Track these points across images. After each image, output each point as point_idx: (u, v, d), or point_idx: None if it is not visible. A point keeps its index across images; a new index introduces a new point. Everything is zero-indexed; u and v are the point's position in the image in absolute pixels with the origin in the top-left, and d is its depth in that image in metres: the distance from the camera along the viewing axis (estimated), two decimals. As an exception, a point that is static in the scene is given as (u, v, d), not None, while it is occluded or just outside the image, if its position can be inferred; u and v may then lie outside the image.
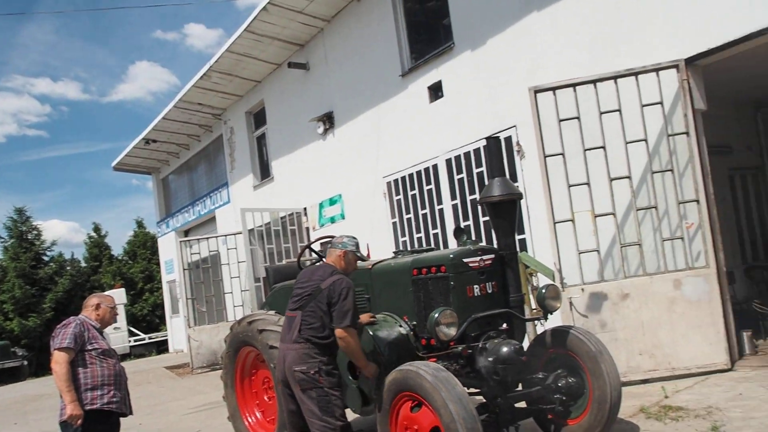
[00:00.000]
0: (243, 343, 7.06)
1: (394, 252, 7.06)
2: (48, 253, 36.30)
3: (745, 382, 7.09)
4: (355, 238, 5.98)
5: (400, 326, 5.95)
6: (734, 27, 7.72)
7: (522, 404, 5.88)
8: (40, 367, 30.34)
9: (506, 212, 5.95)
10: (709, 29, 7.97)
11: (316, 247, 7.82)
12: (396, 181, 13.44)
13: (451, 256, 5.77)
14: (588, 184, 8.13)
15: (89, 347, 5.25)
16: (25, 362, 28.17)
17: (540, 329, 7.20)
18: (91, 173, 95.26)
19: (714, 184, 8.32)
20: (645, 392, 7.28)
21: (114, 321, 5.75)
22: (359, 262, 6.15)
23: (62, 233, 78.92)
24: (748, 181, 11.87)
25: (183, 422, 10.46)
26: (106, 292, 29.90)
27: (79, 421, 5.05)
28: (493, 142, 6.11)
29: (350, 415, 7.21)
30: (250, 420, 7.22)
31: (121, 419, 5.57)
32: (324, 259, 6.07)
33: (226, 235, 18.26)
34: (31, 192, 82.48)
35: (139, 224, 40.45)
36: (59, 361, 5.09)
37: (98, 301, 5.52)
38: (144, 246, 38.15)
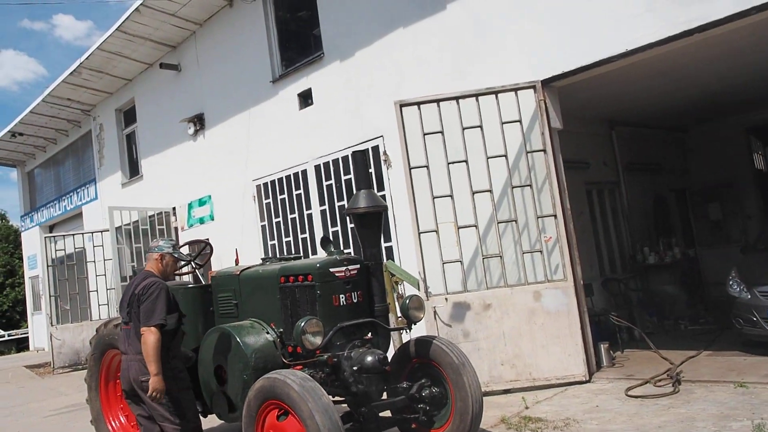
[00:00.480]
0: (109, 346, 6.50)
1: (262, 259, 6.63)
2: None
3: (602, 394, 7.07)
4: (172, 240, 5.83)
5: (267, 333, 5.62)
6: (587, 52, 7.76)
7: (387, 413, 5.59)
8: None
9: (371, 223, 5.69)
10: (564, 52, 7.99)
11: (185, 250, 7.26)
12: (266, 184, 12.87)
13: (318, 265, 5.46)
14: (451, 196, 7.94)
15: None
16: None
17: (405, 338, 6.93)
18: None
19: (571, 198, 8.35)
20: (506, 402, 7.13)
21: None
22: (228, 267, 5.73)
23: None
24: (605, 195, 12.03)
25: (44, 425, 9.52)
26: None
27: None
28: (359, 155, 5.83)
29: (216, 422, 6.76)
30: (113, 424, 6.67)
31: None
32: (146, 265, 5.67)
33: (92, 232, 17.06)
34: None
35: (2, 217, 37.43)
36: None
37: None
38: (6, 239, 35.19)
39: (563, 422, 6.10)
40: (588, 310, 8.32)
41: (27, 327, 27.25)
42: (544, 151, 7.96)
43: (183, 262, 6.85)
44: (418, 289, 7.79)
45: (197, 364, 5.91)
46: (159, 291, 5.22)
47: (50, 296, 17.09)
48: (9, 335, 28.58)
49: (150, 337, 5.06)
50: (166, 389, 5.11)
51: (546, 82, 8.13)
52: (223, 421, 6.77)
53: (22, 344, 26.96)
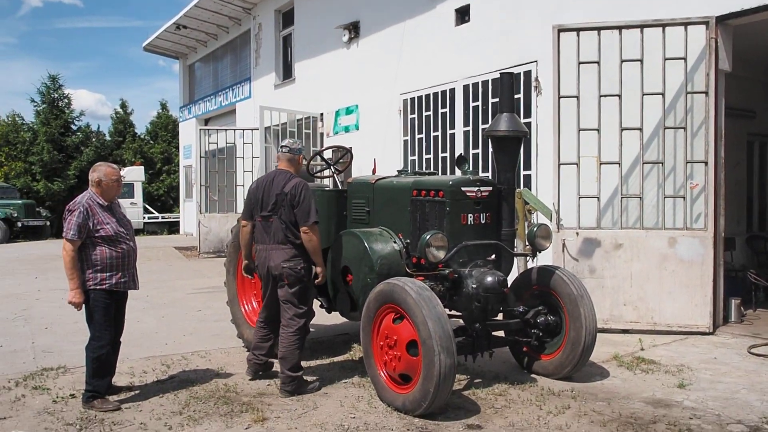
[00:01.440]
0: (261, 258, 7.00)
1: (397, 171, 6.92)
2: (76, 123, 36.09)
3: (723, 347, 7.01)
4: (298, 141, 6.19)
5: (395, 242, 5.94)
6: (773, -9, 7.29)
7: (500, 333, 5.87)
8: (61, 229, 30.67)
9: (510, 148, 5.82)
10: (746, -11, 7.53)
11: (327, 154, 7.71)
12: (412, 99, 13.12)
13: (450, 183, 5.70)
14: (598, 130, 7.86)
15: (95, 234, 5.21)
16: (48, 223, 28.45)
17: (531, 265, 7.11)
18: (120, 48, 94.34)
19: (729, 147, 8.03)
20: (622, 341, 7.23)
21: (119, 192, 5.58)
22: (365, 175, 6.11)
23: (89, 104, 78.74)
24: (767, 149, 11.44)
25: (187, 300, 10.61)
26: (127, 168, 30.14)
27: (79, 309, 5.19)
28: (506, 77, 5.89)
29: (338, 318, 7.35)
30: (246, 307, 7.26)
31: (130, 291, 5.63)
32: (279, 164, 6.10)
33: (243, 129, 18.09)
34: (61, 60, 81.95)
35: (163, 106, 40.04)
36: (66, 249, 5.15)
37: (98, 178, 5.33)
38: (165, 128, 37.85)
39: (677, 368, 6.15)
40: (725, 264, 8.12)
41: (179, 212, 29.61)
42: (706, 93, 7.64)
43: (323, 166, 7.36)
44: (551, 220, 7.88)
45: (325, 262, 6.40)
46: (309, 192, 5.69)
47: (201, 186, 18.47)
48: (162, 218, 31.17)
49: (315, 234, 5.64)
50: (305, 281, 5.70)
51: (720, 19, 7.71)
52: (345, 319, 7.40)
53: (173, 227, 29.37)
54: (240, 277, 7.40)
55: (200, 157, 18.62)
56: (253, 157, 17.43)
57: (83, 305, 5.22)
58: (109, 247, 5.26)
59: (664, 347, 7.01)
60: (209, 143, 18.26)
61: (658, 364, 6.30)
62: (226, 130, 18.66)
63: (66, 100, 35.53)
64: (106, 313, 5.29)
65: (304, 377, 5.74)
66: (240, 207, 17.88)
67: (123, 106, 39.01)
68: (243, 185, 17.77)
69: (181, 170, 28.18)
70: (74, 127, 35.74)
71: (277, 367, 5.87)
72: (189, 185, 26.33)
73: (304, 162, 6.25)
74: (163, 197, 35.26)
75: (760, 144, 11.19)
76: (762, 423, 4.69)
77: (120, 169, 5.61)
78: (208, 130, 18.87)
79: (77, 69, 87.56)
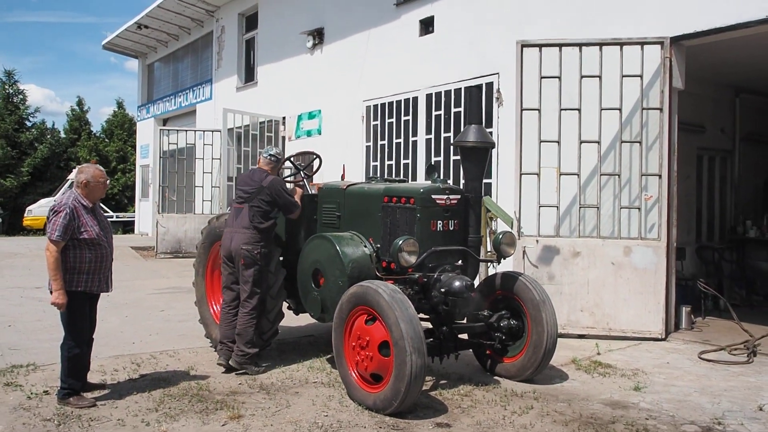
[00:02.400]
0: (218, 237, 7.07)
1: (368, 177, 7.08)
2: (31, 119, 35.37)
3: (675, 353, 7.31)
4: (280, 150, 7.12)
5: (365, 246, 6.07)
6: (724, 14, 7.65)
7: (464, 336, 6.07)
8: (12, 227, 30.04)
9: (477, 158, 6.04)
10: (699, 12, 7.90)
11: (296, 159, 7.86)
12: (375, 106, 13.28)
13: (421, 190, 5.87)
14: (558, 142, 8.13)
15: (78, 237, 5.21)
16: (0, 219, 27.80)
17: (491, 271, 7.32)
18: (71, 44, 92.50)
19: (681, 161, 8.37)
20: (579, 346, 7.48)
21: (103, 194, 5.66)
22: (335, 181, 6.58)
23: (38, 99, 77.00)
24: (716, 163, 11.86)
25: (148, 300, 10.59)
26: (80, 166, 29.66)
27: (63, 309, 5.17)
28: (475, 90, 6.23)
29: (308, 320, 7.55)
30: (215, 308, 7.32)
31: None
32: (259, 164, 6.72)
33: (204, 131, 18.05)
34: (11, 53, 79.88)
35: (119, 105, 39.47)
36: (50, 249, 5.12)
37: (86, 179, 5.35)
38: (121, 127, 37.24)
39: (632, 371, 6.41)
40: (677, 273, 8.46)
41: (134, 211, 29.21)
42: (661, 110, 7.95)
43: (292, 170, 7.52)
44: (511, 227, 8.11)
45: (296, 264, 6.53)
46: (284, 186, 6.51)
47: (159, 186, 18.34)
48: (117, 217, 30.70)
49: (299, 214, 6.60)
50: (260, 264, 6.25)
51: (675, 40, 8.05)
52: (310, 321, 7.51)
53: (127, 227, 28.96)
54: (209, 278, 7.46)
55: (159, 156, 18.50)
56: (213, 159, 17.41)
57: (53, 305, 5.19)
58: (88, 250, 5.26)
59: (619, 352, 7.29)
60: (169, 143, 18.15)
61: (615, 368, 6.56)
62: (186, 130, 18.58)
63: (21, 96, 34.82)
64: (81, 313, 5.31)
65: (258, 360, 6.37)
66: (198, 207, 17.86)
67: (79, 103, 38.30)
68: (202, 186, 17.75)
69: (137, 169, 27.88)
70: (29, 123, 35.01)
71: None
72: (145, 185, 26.05)
73: (270, 165, 6.64)
74: (117, 196, 34.72)
75: (709, 158, 11.66)
76: (713, 424, 4.96)
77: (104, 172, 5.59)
78: (168, 130, 18.75)
79: (26, 64, 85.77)
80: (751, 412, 5.26)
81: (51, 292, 5.20)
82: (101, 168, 5.59)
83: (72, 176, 28.08)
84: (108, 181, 5.70)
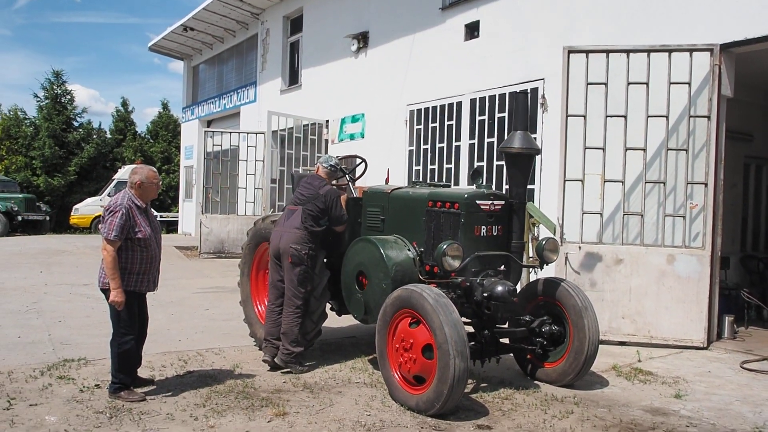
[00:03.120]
0: (263, 239, 7.30)
1: (412, 182, 7.22)
2: (78, 119, 36.26)
3: (717, 362, 7.32)
4: (339, 160, 7.16)
5: (409, 250, 6.22)
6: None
7: (506, 341, 6.16)
8: (59, 225, 30.86)
9: (522, 164, 6.11)
10: (749, 19, 7.90)
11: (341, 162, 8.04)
12: (419, 110, 13.43)
13: (466, 196, 5.97)
14: (603, 149, 8.17)
15: (132, 235, 5.43)
16: (47, 218, 28.64)
17: (533, 277, 7.39)
18: (115, 45, 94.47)
19: (727, 169, 8.36)
20: (620, 353, 7.53)
21: (155, 195, 5.86)
22: (380, 185, 6.77)
23: (83, 99, 78.57)
24: (763, 172, 11.78)
25: (192, 299, 10.86)
26: (127, 166, 30.31)
27: (122, 307, 5.38)
28: (522, 96, 6.21)
29: (350, 321, 7.77)
30: (259, 308, 7.53)
31: None
32: (318, 171, 7.00)
33: (248, 133, 18.33)
34: (56, 54, 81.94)
35: (164, 106, 40.27)
36: (107, 249, 5.32)
37: (140, 180, 5.57)
38: (166, 128, 38.00)
39: (672, 379, 6.45)
40: (720, 282, 8.44)
41: (177, 211, 29.80)
42: (709, 117, 7.95)
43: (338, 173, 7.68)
44: (554, 234, 8.16)
45: (340, 266, 6.71)
46: (338, 199, 6.71)
47: (203, 186, 18.73)
48: (161, 216, 31.36)
49: (345, 229, 6.87)
50: (307, 265, 6.45)
51: (724, 47, 8.05)
52: (352, 322, 7.68)
53: (171, 226, 29.54)
54: (254, 278, 7.67)
55: (203, 158, 18.88)
56: (256, 160, 17.72)
57: (112, 303, 5.37)
58: (140, 251, 5.48)
59: (660, 359, 7.32)
60: (213, 145, 18.52)
61: (655, 375, 6.60)
62: (230, 132, 18.92)
63: (69, 96, 35.74)
64: (130, 310, 5.51)
65: (302, 359, 6.56)
66: (241, 209, 18.19)
67: (124, 104, 39.17)
68: (245, 188, 18.06)
69: (181, 170, 28.42)
70: (76, 124, 35.93)
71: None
72: (189, 185, 26.56)
73: (336, 176, 7.05)
74: (161, 196, 35.43)
75: (756, 166, 11.56)
76: (754, 432, 5.00)
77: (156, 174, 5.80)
78: (213, 131, 19.11)
79: (71, 63, 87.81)
80: (795, 423, 5.28)
81: (102, 291, 5.45)
82: (154, 169, 5.79)
83: (118, 176, 28.86)
84: (160, 182, 5.92)
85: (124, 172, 29.58)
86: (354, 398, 5.58)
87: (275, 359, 6.45)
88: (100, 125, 38.94)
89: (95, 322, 8.55)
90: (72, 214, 29.02)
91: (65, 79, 35.98)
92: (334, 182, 7.64)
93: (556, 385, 6.06)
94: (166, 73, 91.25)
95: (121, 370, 5.47)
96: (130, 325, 5.54)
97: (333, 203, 6.60)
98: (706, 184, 7.93)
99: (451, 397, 4.94)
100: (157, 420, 4.95)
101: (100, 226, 5.49)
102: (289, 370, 6.39)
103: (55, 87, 35.12)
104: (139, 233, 5.46)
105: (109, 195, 28.58)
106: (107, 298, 5.41)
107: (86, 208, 28.72)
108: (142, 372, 6.06)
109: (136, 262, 5.48)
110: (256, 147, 17.79)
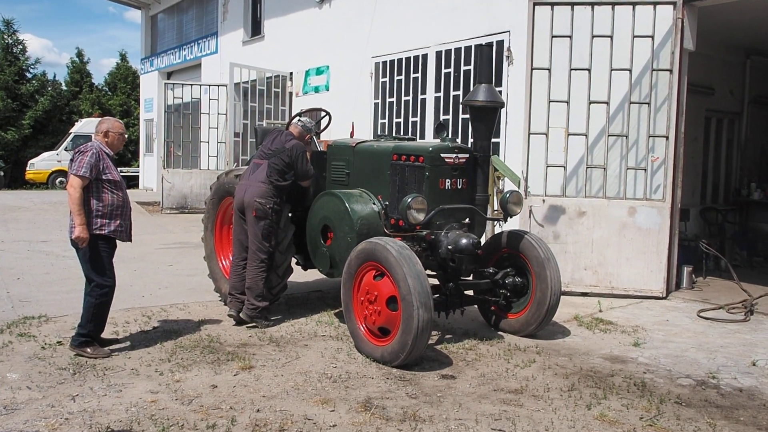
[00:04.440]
0: (227, 193, 7.30)
1: (377, 135, 7.23)
2: (31, 70, 35.23)
3: (675, 311, 7.57)
4: (312, 121, 7.16)
5: (374, 203, 6.28)
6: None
7: (470, 292, 6.28)
8: (14, 180, 30.25)
9: (487, 118, 6.17)
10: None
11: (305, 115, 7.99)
12: (384, 63, 13.36)
13: (430, 149, 6.03)
14: (567, 102, 8.25)
15: (103, 176, 5.41)
16: (2, 173, 28.03)
17: (498, 230, 7.51)
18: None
19: (688, 123, 8.51)
20: (582, 303, 7.75)
21: (121, 147, 5.83)
22: (345, 138, 6.77)
23: (35, 50, 76.30)
24: (723, 125, 11.99)
25: (156, 255, 10.84)
26: (84, 120, 29.71)
27: (84, 243, 5.33)
28: (486, 49, 6.26)
29: (316, 275, 7.85)
30: (224, 262, 7.56)
31: None
32: (289, 128, 6.99)
33: (210, 85, 18.07)
34: (5, 2, 79.15)
35: (122, 57, 39.30)
36: (75, 185, 5.27)
37: (107, 128, 5.57)
38: (125, 80, 37.16)
39: (632, 328, 6.68)
40: (680, 233, 8.70)
41: (137, 166, 29.40)
42: (671, 71, 8.05)
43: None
44: (518, 187, 8.25)
45: (305, 220, 6.75)
46: (305, 154, 6.73)
47: (164, 140, 18.50)
48: (121, 171, 30.91)
49: (309, 183, 6.92)
50: (271, 219, 6.45)
51: (687, 0, 8.12)
52: (318, 276, 7.75)
53: (131, 182, 29.14)
54: (218, 233, 7.67)
55: (164, 111, 18.62)
56: (219, 114, 17.53)
57: (76, 239, 5.33)
58: (111, 193, 5.46)
59: (620, 309, 7.55)
60: (174, 97, 18.24)
61: (615, 324, 6.82)
62: (191, 85, 18.62)
63: (21, 47, 34.65)
64: (108, 258, 5.53)
65: (268, 314, 6.62)
66: (204, 163, 18.04)
67: (79, 55, 38.11)
68: (208, 142, 17.87)
69: (141, 124, 27.96)
70: (29, 75, 34.94)
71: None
72: (149, 139, 26.18)
73: (296, 130, 6.89)
74: (121, 151, 34.85)
75: (717, 120, 11.76)
76: (708, 377, 5.21)
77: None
78: (173, 84, 18.81)
79: (23, 12, 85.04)
80: (745, 367, 5.52)
81: (73, 244, 5.40)
82: (120, 122, 5.78)
83: (75, 129, 28.34)
84: (126, 136, 5.88)
85: (81, 126, 29.07)
86: (320, 351, 5.67)
87: (240, 314, 6.51)
88: (54, 77, 37.84)
89: (55, 279, 8.50)
90: (27, 169, 28.45)
91: (16, 28, 34.83)
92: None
93: (519, 335, 6.23)
94: (123, 22, 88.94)
95: (93, 320, 5.45)
96: (109, 274, 5.55)
97: (299, 158, 6.59)
98: (667, 138, 8.08)
99: (416, 348, 5.05)
100: (121, 375, 4.99)
101: (68, 167, 5.39)
102: (254, 324, 6.45)
103: (5, 37, 33.96)
104: (110, 175, 5.46)
105: (66, 150, 28.13)
106: (78, 251, 5.39)
107: (42, 163, 28.19)
108: (107, 329, 6.03)
109: (108, 203, 5.45)
110: (218, 100, 17.57)
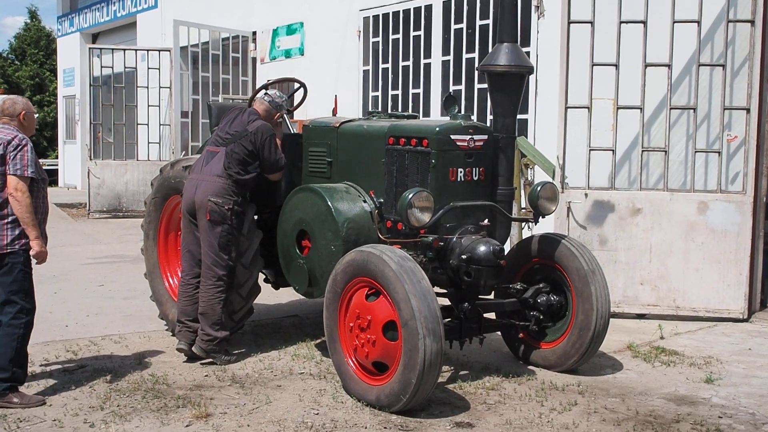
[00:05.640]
0: (174, 191, 7.30)
1: (368, 112, 7.27)
2: None
3: (759, 336, 7.59)
4: (282, 95, 7.14)
5: (365, 201, 6.29)
6: None
7: (491, 315, 6.32)
8: None
9: (511, 87, 6.15)
10: None
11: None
12: (376, 17, 13.41)
13: (437, 129, 6.02)
14: (617, 66, 8.27)
15: (36, 175, 5.50)
16: None
17: (527, 233, 7.53)
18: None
19: (776, 91, 8.51)
20: (638, 328, 7.78)
21: (33, 131, 5.94)
22: (325, 117, 6.79)
23: None
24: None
25: (83, 272, 10.94)
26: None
27: (44, 261, 5.57)
28: (508, -1, 6.20)
29: (291, 296, 7.98)
30: (171, 281, 7.61)
31: None
32: (253, 105, 7.03)
33: (149, 50, 18.10)
34: None
35: (32, 15, 39.33)
36: (23, 189, 5.36)
37: (22, 109, 5.63)
38: (37, 45, 37.18)
39: (703, 360, 6.70)
40: (766, 236, 8.71)
41: (56, 158, 29.39)
42: (752, 22, 8.05)
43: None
44: (552, 177, 8.28)
45: (275, 225, 6.78)
46: (273, 139, 6.69)
47: (90, 123, 18.52)
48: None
49: (279, 177, 6.89)
50: (230, 223, 6.44)
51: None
52: (295, 297, 7.79)
53: (50, 177, 29.19)
54: (163, 243, 7.69)
55: (89, 85, 18.64)
56: (161, 87, 17.53)
57: (36, 257, 5.51)
58: (35, 197, 5.50)
59: (688, 335, 7.59)
60: (101, 67, 18.24)
61: (682, 355, 6.84)
62: (124, 49, 18.68)
63: None
64: (30, 276, 5.61)
65: (228, 346, 6.63)
66: (143, 152, 18.08)
67: (-23, 13, 38.18)
68: (147, 124, 17.91)
69: (60, 102, 28.00)
70: None
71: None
72: (71, 122, 26.20)
73: (261, 107, 6.89)
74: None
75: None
76: (802, 422, 5.27)
77: None
78: (100, 49, 18.81)
79: None
80: None
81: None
82: (26, 98, 5.83)
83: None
84: (37, 116, 5.93)
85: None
86: (297, 393, 5.70)
87: (193, 348, 6.54)
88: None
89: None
90: None
91: None
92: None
93: (556, 370, 6.25)
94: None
95: (16, 360, 5.45)
96: (32, 295, 5.62)
97: (265, 143, 6.58)
98: (748, 110, 8.08)
99: (422, 388, 5.05)
100: (40, 428, 5.02)
101: (7, 166, 5.40)
102: (211, 360, 6.49)
103: None
104: (41, 173, 5.58)
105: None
106: (3, 264, 5.42)
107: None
108: None
109: (39, 211, 5.54)
110: (159, 69, 17.59)
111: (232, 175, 6.47)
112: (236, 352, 6.73)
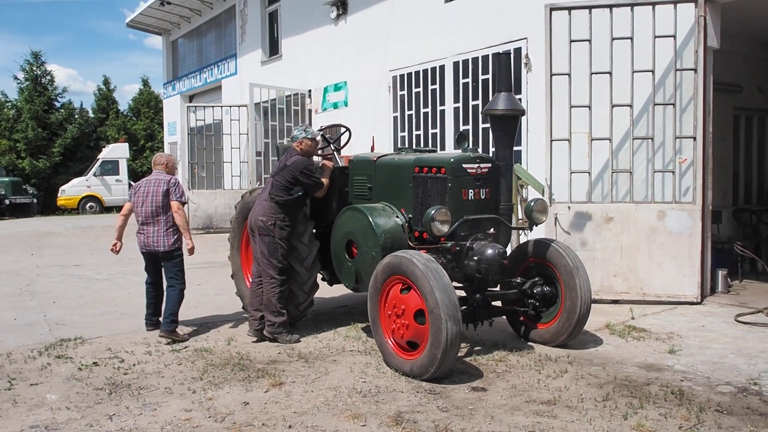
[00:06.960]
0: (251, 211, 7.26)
1: (398, 148, 7.19)
2: (59, 100, 35.81)
3: (711, 316, 7.39)
4: (304, 125, 7.26)
5: (397, 217, 6.23)
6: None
7: (498, 303, 6.19)
8: (46, 207, 30.62)
9: (508, 126, 6.11)
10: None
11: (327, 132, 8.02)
12: (402, 76, 13.33)
13: (452, 160, 5.97)
14: (589, 107, 8.13)
15: (187, 200, 6.61)
16: (35, 200, 28.54)
17: (523, 239, 7.41)
18: (89, 22, 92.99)
19: (716, 122, 8.32)
20: (613, 311, 7.59)
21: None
22: (365, 153, 6.72)
23: (61, 79, 77.47)
24: (753, 123, 11.72)
25: (186, 274, 10.78)
26: (111, 145, 30.24)
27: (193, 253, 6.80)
28: (504, 57, 6.18)
29: (342, 291, 7.90)
30: (250, 280, 7.47)
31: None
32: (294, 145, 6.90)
33: (231, 106, 18.17)
34: (32, 34, 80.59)
35: (144, 83, 39.87)
36: (183, 210, 6.75)
37: (167, 161, 6.93)
38: (148, 105, 37.65)
39: (666, 335, 6.51)
40: (712, 236, 8.49)
41: (163, 189, 29.57)
42: (695, 70, 7.89)
43: (322, 143, 7.61)
44: (542, 194, 8.15)
45: (329, 236, 6.72)
46: (305, 168, 6.53)
47: (189, 162, 18.62)
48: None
49: (321, 192, 6.79)
50: (273, 235, 6.47)
51: (708, -3, 7.99)
52: (344, 292, 7.69)
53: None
54: (244, 251, 7.67)
55: (186, 133, 18.74)
56: (240, 134, 17.58)
57: (169, 259, 6.74)
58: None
59: (653, 316, 7.38)
60: (196, 120, 18.36)
61: (649, 332, 6.65)
62: (212, 106, 18.74)
63: (49, 77, 35.29)
64: (183, 263, 6.93)
65: (288, 330, 6.57)
66: (228, 183, 18.13)
67: (106, 82, 38.79)
68: (231, 162, 17.96)
69: (165, 147, 28.20)
70: (57, 104, 35.52)
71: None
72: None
73: (301, 146, 6.72)
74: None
75: (746, 118, 11.52)
76: (749, 384, 5.05)
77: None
78: (195, 106, 18.92)
79: (47, 43, 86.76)
80: (788, 371, 5.35)
81: (165, 252, 6.69)
82: (169, 153, 6.80)
83: (103, 155, 28.79)
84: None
85: (108, 151, 29.51)
86: (349, 366, 5.60)
87: (264, 332, 6.51)
88: (81, 105, 38.74)
89: (88, 302, 8.58)
90: (59, 195, 28.86)
91: (44, 59, 35.48)
92: (319, 151, 7.59)
93: (550, 345, 6.11)
94: (143, 49, 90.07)
95: (176, 312, 6.71)
96: (184, 276, 6.92)
97: (299, 173, 6.46)
98: (694, 138, 7.92)
99: (445, 361, 4.97)
100: (155, 394, 4.99)
101: (171, 195, 6.71)
102: (277, 340, 6.44)
103: (34, 68, 34.64)
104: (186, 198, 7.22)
105: (95, 175, 28.51)
106: (167, 257, 6.73)
107: (73, 189, 28.59)
108: (139, 348, 6.30)
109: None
110: (239, 120, 17.63)
111: (274, 198, 6.49)
112: (297, 335, 6.60)
